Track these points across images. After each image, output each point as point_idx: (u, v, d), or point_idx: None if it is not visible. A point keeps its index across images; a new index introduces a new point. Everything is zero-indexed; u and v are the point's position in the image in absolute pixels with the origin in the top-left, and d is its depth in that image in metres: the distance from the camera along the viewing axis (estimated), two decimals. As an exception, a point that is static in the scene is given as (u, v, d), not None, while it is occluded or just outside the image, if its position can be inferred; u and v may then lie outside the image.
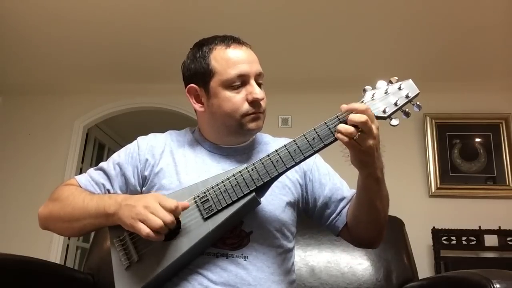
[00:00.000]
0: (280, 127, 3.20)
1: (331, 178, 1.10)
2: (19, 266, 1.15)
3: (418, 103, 0.90)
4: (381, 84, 0.92)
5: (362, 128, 0.84)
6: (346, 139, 0.84)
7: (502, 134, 3.04)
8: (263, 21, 2.58)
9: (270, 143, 1.13)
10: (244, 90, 1.00)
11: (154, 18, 2.58)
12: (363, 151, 0.85)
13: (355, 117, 0.84)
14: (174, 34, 2.66)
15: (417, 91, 0.90)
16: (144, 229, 0.84)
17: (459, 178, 2.99)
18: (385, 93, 0.90)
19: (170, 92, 2.92)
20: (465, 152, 3.04)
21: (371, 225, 1.00)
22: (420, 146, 3.09)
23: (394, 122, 0.89)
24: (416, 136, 3.11)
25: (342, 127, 0.84)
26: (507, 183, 2.94)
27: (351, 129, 0.84)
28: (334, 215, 1.06)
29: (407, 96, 0.90)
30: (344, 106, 0.87)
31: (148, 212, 0.85)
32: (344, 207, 1.06)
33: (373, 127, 0.85)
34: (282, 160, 0.90)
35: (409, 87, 0.90)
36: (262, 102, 1.01)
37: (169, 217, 0.84)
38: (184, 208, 0.89)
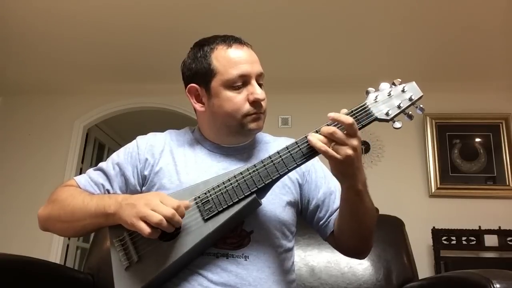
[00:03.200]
0: (280, 127, 3.20)
1: (326, 181, 1.09)
2: (19, 266, 1.15)
3: (421, 105, 0.90)
4: (384, 86, 0.92)
5: (333, 139, 0.84)
6: (322, 147, 0.83)
7: (502, 134, 3.05)
8: (263, 21, 2.58)
9: (271, 143, 1.13)
10: (245, 90, 1.00)
11: (154, 18, 2.58)
12: (341, 161, 0.84)
13: (323, 129, 0.85)
14: (174, 34, 2.66)
15: (421, 93, 0.90)
16: (146, 229, 0.84)
17: (459, 178, 2.99)
18: (388, 95, 0.90)
19: (170, 92, 2.92)
20: (465, 152, 3.05)
21: (353, 235, 0.99)
22: (420, 146, 3.10)
23: (397, 124, 0.89)
24: (416, 136, 3.11)
25: (312, 136, 0.86)
26: (507, 183, 2.95)
27: (320, 137, 0.85)
28: (323, 220, 1.06)
29: (410, 99, 0.90)
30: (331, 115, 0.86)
31: (148, 209, 0.85)
32: (333, 213, 1.05)
33: (348, 138, 0.83)
34: (283, 162, 0.90)
35: (413, 90, 0.90)
36: (263, 103, 1.01)
37: (170, 211, 0.84)
38: (186, 208, 0.89)
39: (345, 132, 0.84)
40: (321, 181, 1.09)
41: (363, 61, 2.97)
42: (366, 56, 2.92)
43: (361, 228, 0.97)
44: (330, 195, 1.07)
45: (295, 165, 0.90)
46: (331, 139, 0.84)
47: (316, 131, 0.90)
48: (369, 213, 0.96)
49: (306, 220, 1.10)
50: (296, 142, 0.91)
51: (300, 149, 0.90)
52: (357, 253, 1.07)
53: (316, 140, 0.85)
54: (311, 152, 0.89)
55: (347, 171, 0.87)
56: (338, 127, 0.85)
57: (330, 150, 0.83)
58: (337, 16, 2.53)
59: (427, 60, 2.92)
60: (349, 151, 0.83)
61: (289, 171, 0.91)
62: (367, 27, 2.61)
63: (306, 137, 0.90)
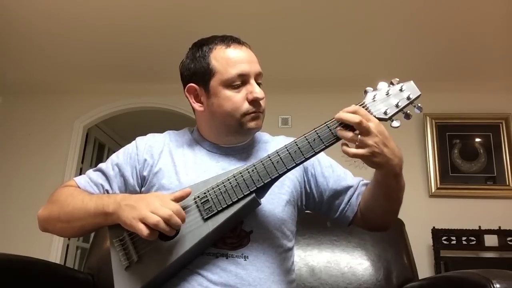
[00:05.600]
0: (280, 127, 3.20)
1: (334, 170, 1.10)
2: (19, 266, 1.15)
3: (419, 104, 0.90)
4: (382, 85, 0.92)
5: (358, 129, 0.85)
6: (351, 151, 0.85)
7: (502, 134, 3.04)
8: (263, 21, 2.58)
9: (269, 142, 1.13)
10: (244, 89, 1.00)
11: (154, 18, 2.58)
12: (368, 155, 0.85)
13: (349, 117, 0.85)
14: (174, 34, 2.66)
15: (419, 92, 0.90)
16: (144, 230, 0.84)
17: (459, 178, 2.99)
18: (386, 94, 0.91)
19: (170, 92, 2.91)
20: (465, 152, 3.05)
21: (386, 213, 1.02)
22: (420, 146, 3.09)
23: (395, 123, 0.90)
24: (416, 136, 3.10)
25: (341, 133, 0.87)
26: (507, 183, 2.94)
27: (349, 134, 0.86)
28: (343, 206, 1.06)
29: (408, 98, 0.90)
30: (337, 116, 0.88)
31: (148, 211, 0.85)
32: (351, 196, 1.06)
33: (371, 125, 0.85)
34: (282, 161, 0.90)
35: (411, 89, 0.91)
36: (262, 102, 1.01)
37: (167, 213, 0.84)
38: (187, 194, 0.90)
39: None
40: (328, 170, 1.09)
41: (364, 62, 2.97)
42: (367, 56, 2.92)
43: (394, 205, 0.99)
44: (341, 181, 1.07)
45: (294, 164, 0.90)
46: (358, 129, 0.85)
47: (315, 129, 0.90)
48: (402, 191, 0.97)
49: (324, 212, 1.10)
50: (294, 141, 0.91)
51: (298, 148, 0.90)
52: (385, 227, 1.09)
53: (344, 135, 0.86)
54: (311, 151, 0.90)
55: (379, 160, 0.87)
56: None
57: (356, 151, 0.85)
58: (338, 16, 2.53)
59: (427, 60, 2.92)
60: (371, 140, 0.85)
61: (288, 170, 0.91)
62: (368, 27, 2.61)
63: (304, 136, 0.91)
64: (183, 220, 0.86)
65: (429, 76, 2.94)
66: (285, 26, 2.63)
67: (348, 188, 1.06)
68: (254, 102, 1.00)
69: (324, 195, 1.08)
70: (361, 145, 0.85)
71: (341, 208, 1.06)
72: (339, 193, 1.06)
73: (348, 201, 1.06)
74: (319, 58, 2.97)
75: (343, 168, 1.12)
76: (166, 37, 2.73)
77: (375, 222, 1.05)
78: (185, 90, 1.07)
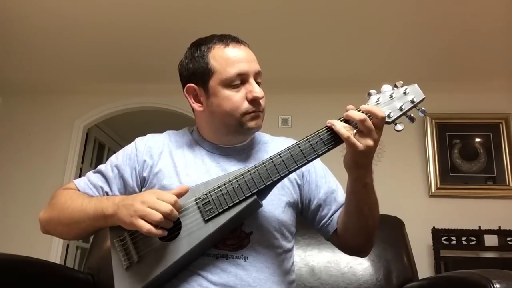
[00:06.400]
0: (280, 127, 3.20)
1: (327, 181, 1.09)
2: (19, 266, 1.15)
3: (423, 108, 0.89)
4: (386, 88, 0.92)
5: (360, 127, 0.84)
6: (345, 134, 0.84)
7: (502, 134, 3.05)
8: (263, 21, 2.58)
9: (269, 142, 1.13)
10: (244, 88, 1.00)
11: (153, 18, 2.58)
12: (361, 151, 0.85)
13: (354, 114, 0.85)
14: (173, 34, 2.66)
15: (423, 96, 0.89)
16: (145, 225, 0.84)
17: (459, 178, 2.99)
18: (390, 97, 0.90)
19: (170, 92, 2.92)
20: (465, 152, 3.05)
21: (359, 232, 1.00)
22: (420, 146, 3.10)
23: (399, 127, 0.89)
24: (416, 136, 3.11)
25: (337, 122, 0.87)
26: (507, 183, 2.95)
27: (344, 124, 0.86)
28: (325, 219, 1.06)
29: (412, 101, 0.89)
30: (364, 107, 0.87)
31: (146, 207, 0.85)
32: (335, 211, 1.06)
33: (374, 129, 0.85)
34: (284, 163, 0.90)
35: (415, 92, 0.90)
36: (261, 101, 1.01)
37: (168, 208, 0.84)
38: (184, 192, 0.89)
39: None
40: (321, 180, 1.09)
41: (364, 61, 2.97)
42: (367, 56, 2.92)
43: (367, 223, 0.98)
44: (331, 193, 1.07)
45: (296, 166, 0.90)
46: (355, 127, 0.85)
47: (317, 131, 0.90)
48: (374, 208, 0.97)
49: (308, 220, 1.10)
50: (297, 143, 0.91)
51: (301, 150, 0.90)
52: (360, 251, 1.08)
53: (341, 126, 0.86)
54: (313, 154, 0.89)
55: (362, 161, 0.88)
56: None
57: (353, 138, 0.84)
58: (338, 16, 2.53)
59: (427, 60, 2.92)
60: (370, 142, 0.84)
61: (290, 172, 0.90)
62: (368, 27, 2.61)
63: (307, 139, 0.90)
64: (179, 209, 0.88)
65: (429, 76, 2.94)
66: (285, 26, 2.63)
67: (335, 203, 1.06)
68: (254, 101, 0.99)
69: (312, 204, 1.07)
70: (359, 140, 0.85)
71: (323, 221, 1.06)
72: (326, 205, 1.06)
73: (332, 215, 1.05)
74: (319, 58, 2.97)
75: (336, 181, 1.12)
76: (166, 37, 2.73)
77: (348, 242, 1.04)
78: (184, 90, 1.07)
